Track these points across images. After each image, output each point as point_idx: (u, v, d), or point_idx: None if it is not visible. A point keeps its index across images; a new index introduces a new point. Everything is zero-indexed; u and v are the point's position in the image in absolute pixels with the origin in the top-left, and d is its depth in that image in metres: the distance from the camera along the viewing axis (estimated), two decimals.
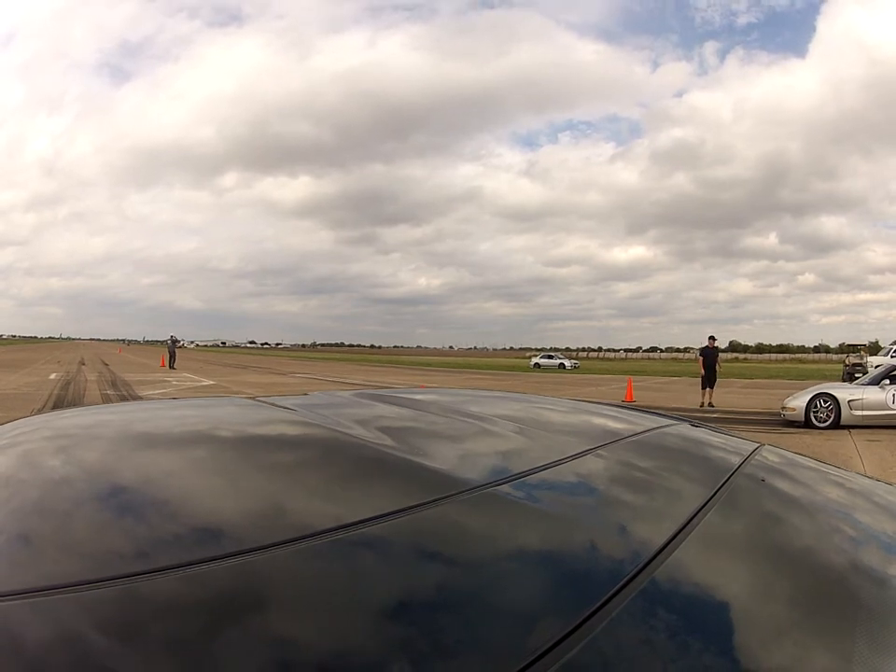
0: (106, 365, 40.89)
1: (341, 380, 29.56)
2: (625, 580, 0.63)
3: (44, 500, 0.80)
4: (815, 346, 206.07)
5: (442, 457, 1.02)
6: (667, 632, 0.60)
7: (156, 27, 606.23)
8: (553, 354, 76.46)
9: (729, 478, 1.06)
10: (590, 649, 0.52)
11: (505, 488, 0.86)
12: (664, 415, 1.75)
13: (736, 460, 1.21)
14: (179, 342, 40.90)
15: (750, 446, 1.39)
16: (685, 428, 1.55)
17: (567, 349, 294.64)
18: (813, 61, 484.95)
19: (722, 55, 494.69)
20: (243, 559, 0.60)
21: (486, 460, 1.08)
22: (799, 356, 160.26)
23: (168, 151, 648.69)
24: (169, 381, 26.20)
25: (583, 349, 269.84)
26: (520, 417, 1.42)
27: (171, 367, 36.58)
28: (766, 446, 1.42)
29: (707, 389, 18.59)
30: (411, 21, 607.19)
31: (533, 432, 1.24)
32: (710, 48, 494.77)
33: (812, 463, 1.40)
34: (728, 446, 1.42)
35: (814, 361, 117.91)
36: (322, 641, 0.53)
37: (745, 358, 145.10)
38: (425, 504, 0.76)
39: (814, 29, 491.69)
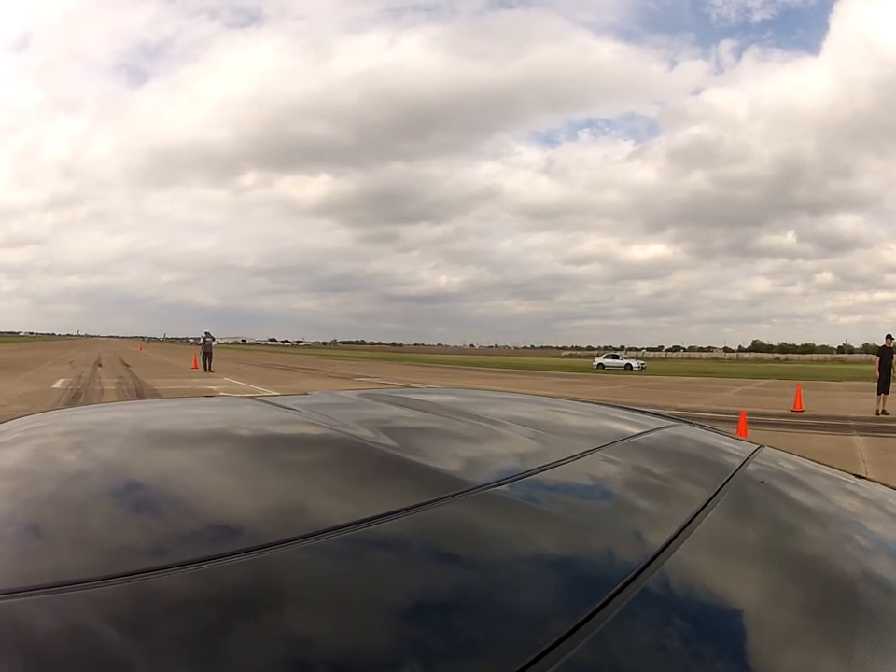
0: (127, 366, 33.74)
1: (414, 385, 22.31)
2: (625, 580, 0.63)
3: (48, 498, 0.80)
4: (839, 347, 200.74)
5: (443, 457, 1.02)
6: (667, 632, 0.60)
7: (175, 28, 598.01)
8: (617, 353, 70.56)
9: (729, 479, 1.06)
10: (590, 648, 0.52)
11: (506, 489, 0.85)
12: (663, 416, 1.73)
13: (736, 461, 1.21)
14: (215, 339, 32.96)
15: (750, 447, 1.39)
16: (685, 429, 1.55)
17: (589, 347, 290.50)
18: (826, 59, 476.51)
19: (738, 53, 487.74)
20: (243, 558, 0.60)
21: (487, 460, 1.07)
22: (840, 356, 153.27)
23: (187, 151, 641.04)
24: (213, 390, 19.11)
25: (606, 348, 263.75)
26: (521, 418, 1.41)
27: (207, 369, 29.56)
28: (766, 447, 1.42)
29: (882, 395, 16.64)
30: (430, 21, 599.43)
31: (534, 433, 1.23)
32: (726, 46, 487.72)
33: (811, 464, 1.38)
34: (728, 447, 1.42)
35: (856, 362, 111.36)
36: (323, 637, 0.53)
37: (786, 359, 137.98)
38: (425, 504, 0.75)
39: (827, 27, 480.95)
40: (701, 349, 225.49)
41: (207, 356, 30.63)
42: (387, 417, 1.35)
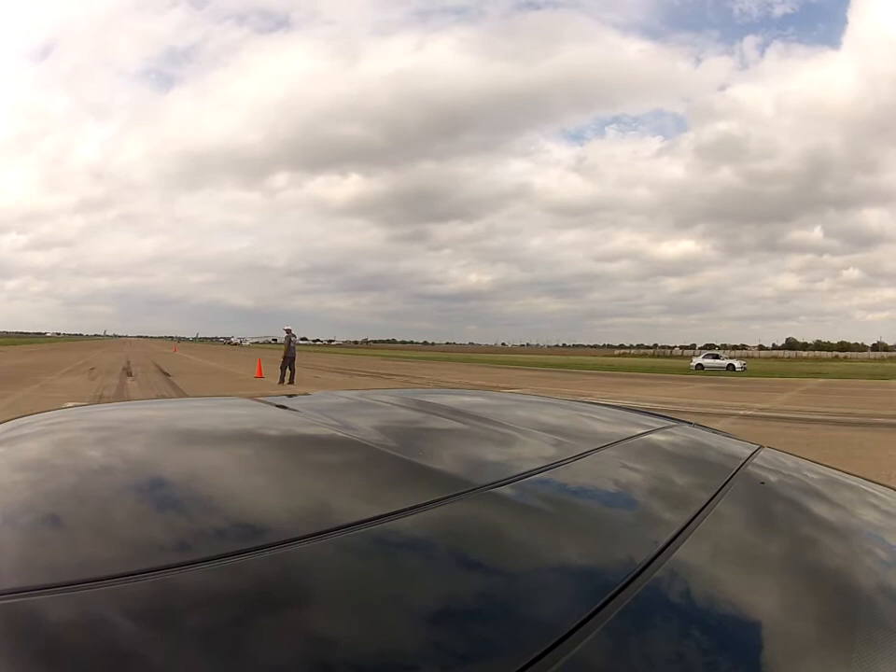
0: (167, 376, 24.31)
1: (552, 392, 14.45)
2: (627, 579, 0.63)
3: (64, 493, 0.81)
4: (873, 344, 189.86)
5: (444, 458, 1.03)
6: (667, 632, 0.60)
7: (204, 34, 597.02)
8: (718, 353, 61.73)
9: (729, 479, 1.05)
10: (593, 646, 0.52)
11: (506, 489, 0.85)
12: (664, 416, 1.73)
13: (737, 462, 1.20)
14: (296, 339, 22.70)
15: (750, 448, 1.38)
16: (685, 430, 1.55)
17: (622, 346, 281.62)
18: (848, 54, 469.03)
19: (762, 49, 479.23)
20: (250, 556, 0.60)
21: (488, 461, 1.08)
22: (893, 354, 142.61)
23: (219, 154, 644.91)
24: None
25: (639, 346, 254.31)
26: (522, 418, 1.44)
27: (285, 380, 20.48)
28: (766, 448, 1.41)
29: None
30: (459, 23, 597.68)
31: (535, 433, 1.23)
32: (750, 42, 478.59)
33: (811, 465, 1.37)
34: (728, 448, 1.43)
35: None
36: (333, 632, 0.53)
37: (845, 357, 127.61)
38: (427, 504, 0.76)
39: (846, 22, 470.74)
40: (735, 346, 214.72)
41: (290, 362, 21.19)
42: (390, 417, 1.37)
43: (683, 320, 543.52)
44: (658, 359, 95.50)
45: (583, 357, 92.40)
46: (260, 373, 23.40)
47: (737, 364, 51.10)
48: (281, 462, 0.98)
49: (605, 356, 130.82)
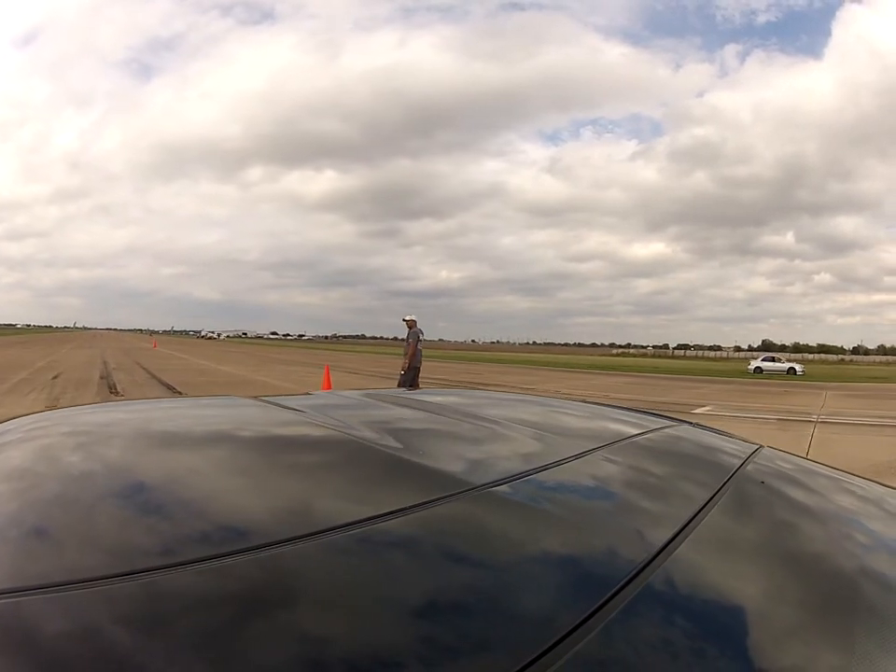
0: (176, 393, 15.44)
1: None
2: (626, 579, 0.62)
3: (55, 496, 0.78)
4: (853, 347, 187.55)
5: (444, 457, 1.01)
6: (668, 630, 0.59)
7: (187, 24, 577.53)
8: (775, 356, 55.81)
9: (729, 479, 1.04)
10: (591, 646, 0.51)
11: (506, 488, 0.84)
12: (664, 416, 1.71)
13: (736, 461, 1.19)
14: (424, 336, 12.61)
15: (750, 447, 1.37)
16: (685, 429, 1.52)
17: (594, 344, 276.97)
18: (829, 64, 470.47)
19: (742, 57, 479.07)
20: (249, 556, 0.59)
21: (488, 460, 1.06)
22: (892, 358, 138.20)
23: (195, 146, 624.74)
24: None
25: (610, 345, 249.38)
26: (522, 418, 1.39)
27: None
28: (766, 447, 1.40)
29: None
30: (443, 21, 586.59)
31: (535, 433, 1.21)
32: (731, 50, 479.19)
33: (811, 465, 1.36)
34: (728, 447, 1.40)
35: None
36: (329, 633, 0.52)
37: (850, 360, 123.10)
38: (426, 503, 0.74)
39: (829, 33, 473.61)
40: (710, 348, 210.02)
41: (415, 374, 12.37)
42: (390, 417, 1.34)
43: (652, 320, 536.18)
44: (664, 360, 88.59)
45: (586, 357, 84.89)
46: (329, 385, 14.73)
47: (798, 368, 47.04)
48: (280, 462, 0.95)
49: (602, 355, 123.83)
